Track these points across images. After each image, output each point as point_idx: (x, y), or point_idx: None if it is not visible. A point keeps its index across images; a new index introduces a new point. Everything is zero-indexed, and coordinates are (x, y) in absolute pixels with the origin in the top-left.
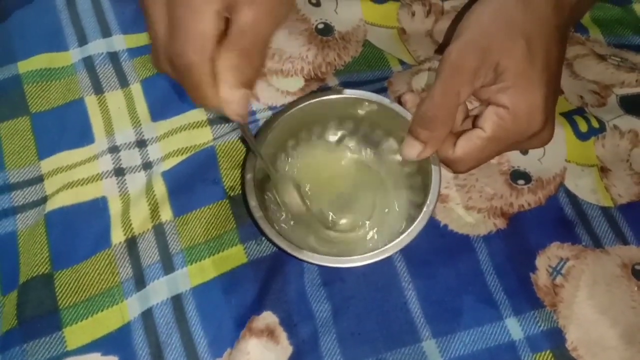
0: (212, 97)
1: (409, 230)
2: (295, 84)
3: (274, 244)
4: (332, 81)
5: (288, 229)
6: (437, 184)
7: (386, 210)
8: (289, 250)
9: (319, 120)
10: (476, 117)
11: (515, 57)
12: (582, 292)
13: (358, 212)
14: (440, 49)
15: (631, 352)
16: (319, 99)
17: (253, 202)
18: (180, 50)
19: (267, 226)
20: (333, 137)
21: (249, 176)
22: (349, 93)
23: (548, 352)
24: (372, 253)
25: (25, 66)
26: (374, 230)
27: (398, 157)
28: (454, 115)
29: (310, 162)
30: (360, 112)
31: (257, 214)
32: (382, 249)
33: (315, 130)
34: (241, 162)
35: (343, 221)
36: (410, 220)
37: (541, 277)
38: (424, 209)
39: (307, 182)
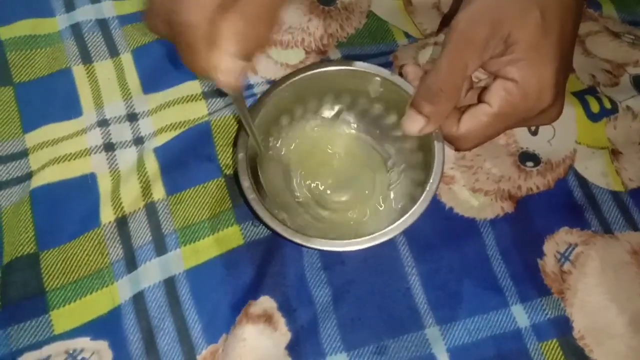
0: (204, 62)
1: (411, 211)
2: (296, 56)
3: (269, 227)
4: (334, 54)
5: (283, 210)
6: (440, 162)
7: (386, 188)
8: (285, 235)
9: (315, 94)
10: (482, 91)
11: (527, 28)
12: (590, 279)
13: (356, 190)
14: (445, 19)
15: (638, 340)
16: (314, 71)
17: (246, 183)
18: (180, 8)
19: (261, 208)
20: (329, 112)
21: (241, 155)
22: (346, 65)
23: (554, 340)
24: (372, 235)
25: (7, 32)
26: (373, 210)
27: (398, 133)
28: (460, 89)
29: (306, 138)
30: (358, 85)
31: (251, 195)
32: (383, 231)
33: (310, 105)
34: None
35: (340, 200)
36: (412, 200)
37: (549, 263)
38: (427, 188)
39: (301, 159)
